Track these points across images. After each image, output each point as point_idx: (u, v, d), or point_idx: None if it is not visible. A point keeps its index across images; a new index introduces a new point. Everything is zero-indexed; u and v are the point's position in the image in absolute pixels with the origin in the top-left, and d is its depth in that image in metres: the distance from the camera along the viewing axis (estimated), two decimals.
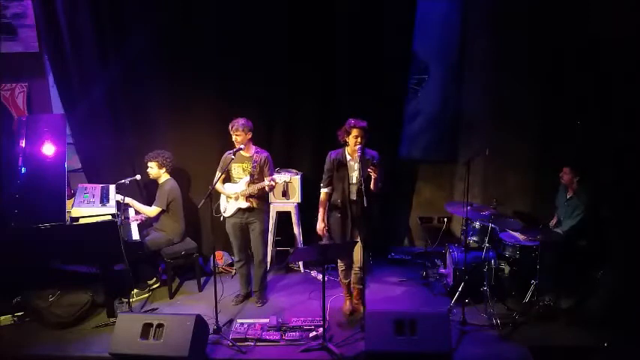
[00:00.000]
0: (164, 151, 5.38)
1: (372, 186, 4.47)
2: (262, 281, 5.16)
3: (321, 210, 4.68)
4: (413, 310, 4.92)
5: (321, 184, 4.70)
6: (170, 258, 5.25)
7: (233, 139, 4.76)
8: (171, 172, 5.43)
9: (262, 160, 4.85)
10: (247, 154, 4.86)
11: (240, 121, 4.75)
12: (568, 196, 5.11)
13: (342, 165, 4.61)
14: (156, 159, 5.29)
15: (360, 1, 5.55)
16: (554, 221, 5.30)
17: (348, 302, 4.96)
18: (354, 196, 4.60)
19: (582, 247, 4.92)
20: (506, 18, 5.67)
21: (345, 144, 4.60)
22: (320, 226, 4.67)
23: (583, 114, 5.40)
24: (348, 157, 4.60)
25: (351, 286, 4.90)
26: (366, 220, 4.56)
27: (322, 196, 4.69)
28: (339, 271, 4.89)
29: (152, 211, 5.30)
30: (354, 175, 4.60)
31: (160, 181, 5.37)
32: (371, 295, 4.99)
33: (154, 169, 5.30)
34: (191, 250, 5.39)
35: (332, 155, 4.66)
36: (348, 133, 4.52)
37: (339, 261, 4.86)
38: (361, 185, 4.45)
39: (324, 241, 4.75)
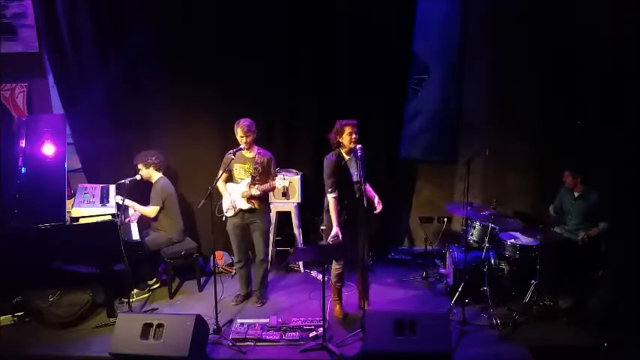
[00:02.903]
0: (150, 151, 5.38)
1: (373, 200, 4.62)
2: (263, 281, 5.16)
3: (334, 215, 4.57)
4: (413, 310, 4.91)
5: (329, 190, 4.60)
6: (170, 258, 5.25)
7: (240, 141, 4.74)
8: (164, 172, 5.44)
9: (265, 162, 4.85)
10: (249, 155, 4.85)
11: (246, 122, 4.73)
12: (576, 195, 5.09)
13: (342, 166, 4.60)
14: (141, 160, 5.31)
15: (360, 1, 5.55)
16: (553, 209, 5.27)
17: (338, 306, 4.92)
18: (357, 194, 4.60)
19: (582, 247, 4.91)
20: (506, 18, 5.67)
21: (339, 145, 4.61)
22: (335, 231, 4.55)
23: (583, 114, 5.40)
24: (346, 157, 4.60)
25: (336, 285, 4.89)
26: (367, 219, 4.57)
27: (332, 202, 4.57)
28: (334, 274, 4.82)
29: (151, 210, 5.30)
30: (355, 174, 4.59)
31: (153, 180, 5.38)
32: (371, 295, 4.98)
33: (142, 170, 5.32)
34: (191, 250, 5.39)
35: (332, 158, 4.60)
36: (341, 132, 4.53)
37: (335, 263, 4.79)
38: (361, 184, 4.45)
39: (324, 241, 4.74)
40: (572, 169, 5.05)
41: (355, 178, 4.60)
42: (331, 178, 4.58)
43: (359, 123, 4.58)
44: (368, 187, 4.67)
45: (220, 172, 4.82)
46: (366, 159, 4.66)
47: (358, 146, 4.57)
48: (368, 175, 4.62)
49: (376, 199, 4.68)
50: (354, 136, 4.49)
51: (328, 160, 4.60)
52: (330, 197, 4.59)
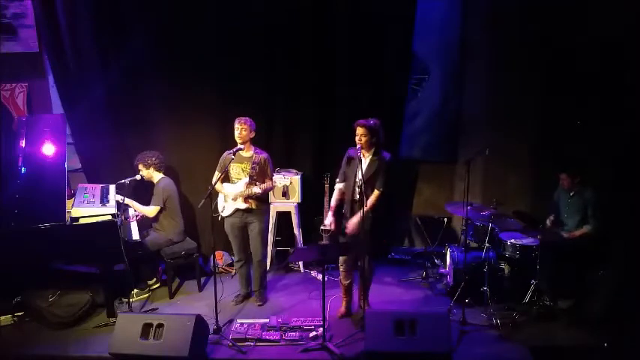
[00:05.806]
0: (150, 151, 5.38)
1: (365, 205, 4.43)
2: (262, 281, 5.16)
3: (327, 201, 4.67)
4: (413, 310, 4.92)
5: (337, 180, 4.73)
6: (170, 258, 5.25)
7: (236, 134, 4.75)
8: (165, 172, 5.44)
9: (262, 161, 4.85)
10: (247, 155, 4.85)
11: (248, 118, 4.79)
12: (571, 194, 5.07)
13: (350, 162, 4.57)
14: (141, 161, 5.32)
15: (360, 1, 5.54)
16: (551, 219, 5.26)
17: (343, 304, 4.91)
18: (356, 195, 4.57)
19: (582, 247, 4.91)
20: (506, 18, 5.67)
21: None
22: (329, 219, 4.63)
23: (583, 114, 5.40)
24: (362, 157, 4.56)
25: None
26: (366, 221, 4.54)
27: (335, 191, 4.70)
28: (341, 272, 4.84)
29: (151, 210, 5.30)
30: (358, 174, 4.55)
31: (155, 180, 5.38)
32: (371, 296, 4.97)
33: (142, 171, 5.32)
34: (191, 250, 5.39)
35: (348, 152, 4.64)
36: (354, 133, 4.52)
37: (340, 261, 4.80)
38: (362, 186, 4.40)
39: (324, 241, 4.74)
40: (569, 171, 5.01)
41: (357, 179, 4.53)
42: (340, 169, 4.69)
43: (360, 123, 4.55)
44: (371, 197, 4.52)
45: (218, 171, 4.82)
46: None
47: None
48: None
49: (354, 218, 4.49)
50: (357, 137, 4.46)
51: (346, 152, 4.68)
52: (335, 186, 4.71)
